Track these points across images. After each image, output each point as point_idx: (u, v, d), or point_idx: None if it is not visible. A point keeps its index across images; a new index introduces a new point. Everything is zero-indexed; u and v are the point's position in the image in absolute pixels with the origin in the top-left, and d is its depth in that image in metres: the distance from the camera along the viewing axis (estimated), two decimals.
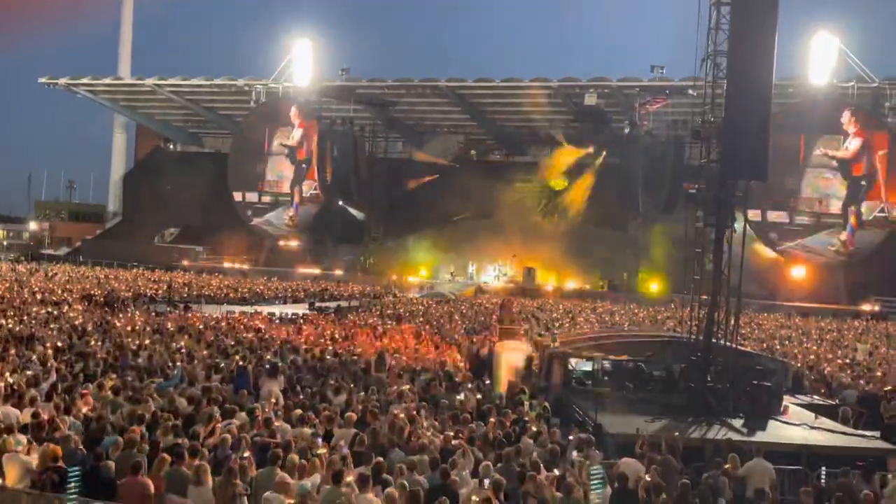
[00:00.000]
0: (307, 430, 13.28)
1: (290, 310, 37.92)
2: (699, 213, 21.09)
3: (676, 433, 15.99)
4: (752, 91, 19.68)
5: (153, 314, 30.82)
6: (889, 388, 22.23)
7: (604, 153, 69.33)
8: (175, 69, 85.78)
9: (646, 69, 68.81)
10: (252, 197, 78.42)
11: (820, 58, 64.91)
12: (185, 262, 71.03)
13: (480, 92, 74.39)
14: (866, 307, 56.95)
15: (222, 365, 19.27)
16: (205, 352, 21.52)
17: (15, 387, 14.51)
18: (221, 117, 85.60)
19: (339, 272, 68.50)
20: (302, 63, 76.84)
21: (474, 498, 10.87)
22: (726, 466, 13.34)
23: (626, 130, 68.27)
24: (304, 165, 76.05)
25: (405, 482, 10.72)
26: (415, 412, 15.14)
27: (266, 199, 78.15)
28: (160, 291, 43.08)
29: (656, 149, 64.65)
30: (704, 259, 20.34)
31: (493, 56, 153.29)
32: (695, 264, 20.93)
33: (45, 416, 12.31)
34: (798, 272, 62.72)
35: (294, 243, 77.16)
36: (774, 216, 63.33)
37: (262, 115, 78.21)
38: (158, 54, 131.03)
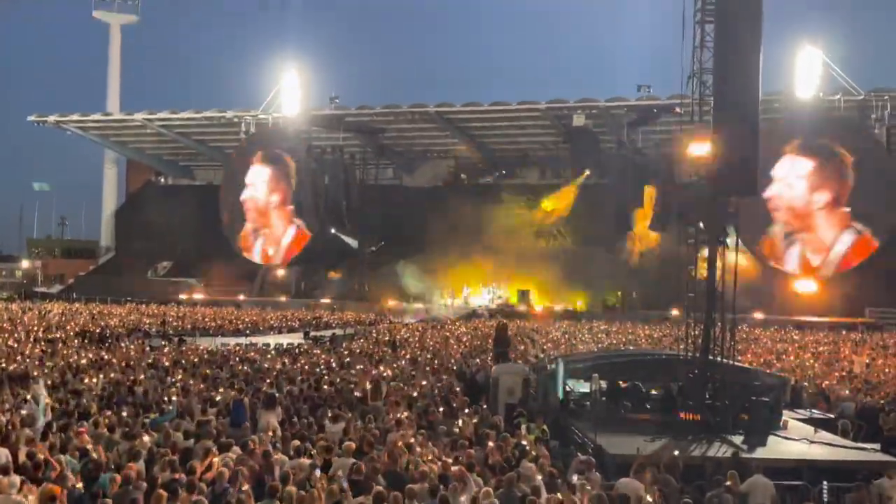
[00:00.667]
0: (305, 462, 13.17)
1: (284, 340, 37.75)
2: (691, 230, 21.13)
3: (676, 452, 15.92)
4: (739, 107, 19.76)
5: (148, 349, 30.67)
6: (886, 400, 22.20)
7: (586, 172, 69.75)
8: (164, 103, 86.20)
9: (632, 88, 69.34)
10: (244, 228, 78.36)
11: (805, 72, 65.30)
12: (178, 296, 70.77)
13: (469, 116, 74.68)
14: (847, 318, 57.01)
15: (218, 398, 19.15)
16: (200, 385, 21.39)
17: (9, 426, 14.39)
18: (212, 149, 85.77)
19: (331, 300, 68.37)
20: (290, 93, 77.05)
21: None
22: (728, 483, 13.27)
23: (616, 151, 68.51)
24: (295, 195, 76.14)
25: None
26: (412, 439, 15.04)
27: (257, 229, 78.19)
28: (154, 326, 42.91)
29: (646, 167, 64.88)
30: (697, 275, 20.33)
31: (481, 80, 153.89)
32: (687, 281, 20.92)
33: (40, 456, 12.20)
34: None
35: (287, 272, 77.05)
36: None
37: (252, 146, 78.31)
38: (147, 88, 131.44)
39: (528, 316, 59.85)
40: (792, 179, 62.05)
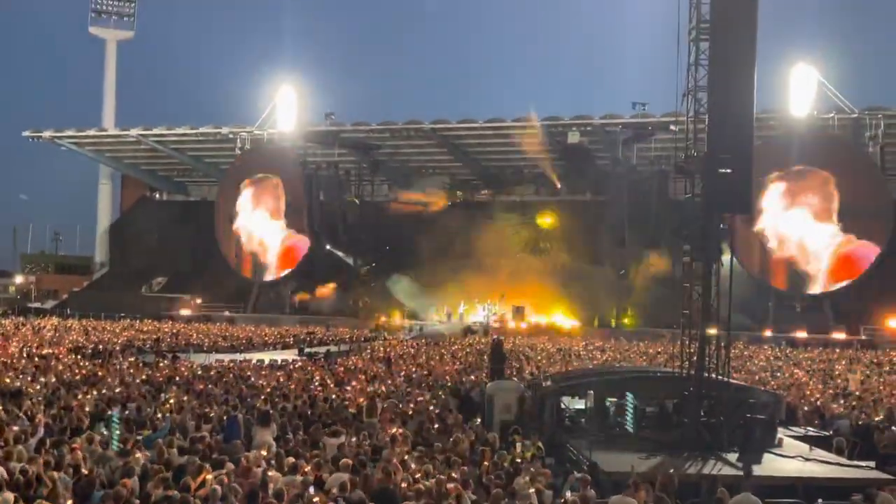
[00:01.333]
0: (299, 478, 13.14)
1: (279, 356, 37.70)
2: (686, 248, 21.18)
3: (671, 470, 15.89)
4: (734, 125, 19.84)
5: (141, 365, 30.58)
6: (881, 417, 22.21)
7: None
8: (159, 119, 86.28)
9: (627, 105, 69.53)
10: (238, 243, 78.40)
11: (800, 90, 65.56)
12: (173, 312, 70.64)
13: (464, 133, 74.84)
14: (841, 335, 57.06)
15: (212, 414, 19.10)
16: (194, 402, 21.33)
17: (1, 443, 14.33)
18: (207, 165, 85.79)
19: (327, 317, 68.24)
20: (286, 109, 77.18)
21: None
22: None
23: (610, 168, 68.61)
24: (289, 210, 76.23)
25: None
26: (407, 456, 15.02)
27: (253, 245, 78.22)
28: (148, 342, 42.81)
29: (641, 185, 65.01)
30: (693, 293, 20.38)
31: (476, 97, 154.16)
32: (683, 298, 20.96)
33: (32, 473, 12.14)
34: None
35: (282, 289, 76.97)
36: None
37: (247, 163, 78.42)
38: (142, 104, 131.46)
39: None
40: (775, 203, 62.32)
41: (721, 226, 20.79)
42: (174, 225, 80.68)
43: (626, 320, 64.49)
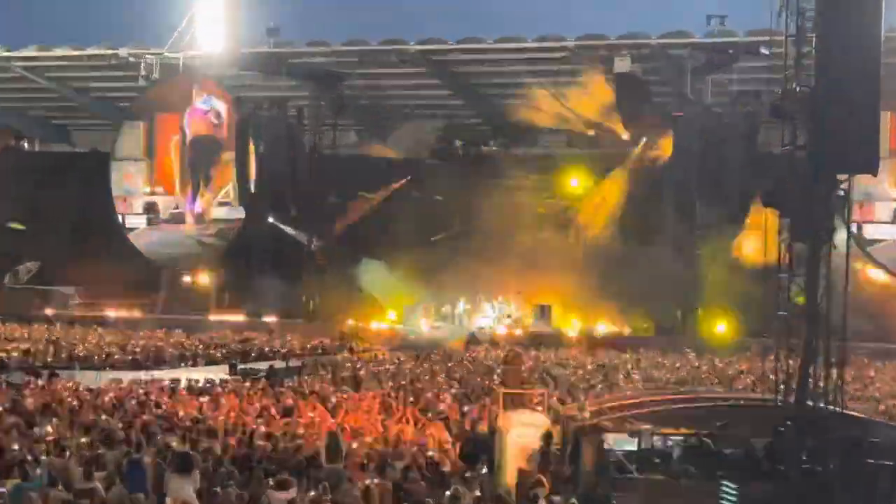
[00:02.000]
0: None
1: (202, 375, 37.74)
2: (783, 223, 21.21)
3: None
4: (854, 49, 19.80)
5: (4, 386, 30.61)
6: None
7: (643, 141, 69.44)
8: (30, 36, 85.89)
9: (700, 21, 69.39)
10: (141, 214, 78.72)
11: None
12: (49, 311, 70.60)
13: (466, 58, 74.60)
14: None
15: (107, 457, 19.11)
16: (81, 439, 21.37)
17: None
18: (98, 103, 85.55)
19: (270, 319, 68.26)
20: (210, 23, 76.89)
21: None
22: None
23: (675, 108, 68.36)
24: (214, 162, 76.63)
25: None
26: None
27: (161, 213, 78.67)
28: (14, 354, 42.75)
29: (718, 133, 64.81)
30: (793, 288, 20.42)
31: (477, 14, 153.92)
32: (779, 296, 21.00)
33: None
34: None
35: (204, 278, 76.97)
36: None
37: (155, 98, 78.36)
38: (6, 16, 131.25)
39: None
40: None
41: (835, 192, 20.67)
42: (51, 187, 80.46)
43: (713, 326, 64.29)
